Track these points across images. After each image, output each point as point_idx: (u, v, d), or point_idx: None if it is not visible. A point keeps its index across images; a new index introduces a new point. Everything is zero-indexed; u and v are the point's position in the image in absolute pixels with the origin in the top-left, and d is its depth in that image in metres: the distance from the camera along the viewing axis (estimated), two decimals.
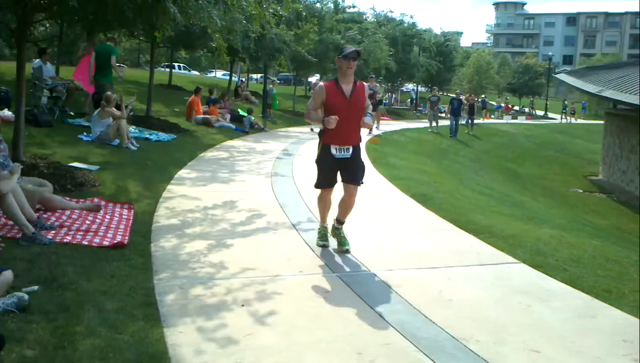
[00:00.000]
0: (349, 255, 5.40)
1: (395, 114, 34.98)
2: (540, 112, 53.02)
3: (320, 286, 4.58)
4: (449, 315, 4.08)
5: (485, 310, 4.24)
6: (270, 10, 12.72)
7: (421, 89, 47.04)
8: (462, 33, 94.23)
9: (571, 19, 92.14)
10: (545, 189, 18.63)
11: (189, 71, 47.93)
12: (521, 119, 43.21)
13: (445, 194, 8.85)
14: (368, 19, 36.45)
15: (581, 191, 20.04)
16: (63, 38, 15.37)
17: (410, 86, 51.42)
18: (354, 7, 33.38)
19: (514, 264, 5.43)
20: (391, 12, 40.09)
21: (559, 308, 4.36)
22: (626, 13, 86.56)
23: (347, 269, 5.03)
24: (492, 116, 42.54)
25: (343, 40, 26.32)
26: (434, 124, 24.33)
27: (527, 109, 54.46)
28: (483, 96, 48.74)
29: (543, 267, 5.30)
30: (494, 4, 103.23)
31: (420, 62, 38.31)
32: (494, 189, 12.70)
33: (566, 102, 49.57)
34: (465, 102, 26.60)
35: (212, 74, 46.48)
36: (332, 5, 30.06)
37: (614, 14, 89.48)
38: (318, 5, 26.93)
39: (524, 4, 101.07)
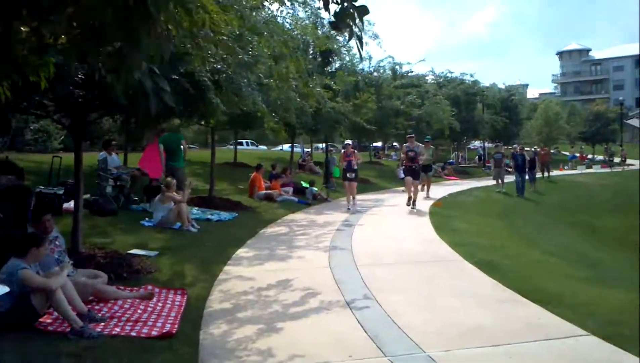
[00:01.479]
0: (403, 334, 5.14)
1: (464, 173, 34.45)
2: (617, 160, 50.94)
3: None
4: None
5: None
6: (318, 89, 13.00)
7: (489, 145, 46.28)
8: (527, 85, 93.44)
9: None
10: (624, 243, 17.57)
11: (257, 146, 49.18)
12: (596, 168, 41.58)
13: (512, 260, 8.43)
14: (428, 82, 36.48)
15: None
16: (127, 128, 16.11)
17: (477, 143, 50.81)
18: (411, 72, 33.48)
19: (584, 337, 5.00)
20: (451, 72, 39.81)
21: None
22: None
23: (401, 351, 4.75)
24: (566, 167, 41.16)
25: (403, 106, 26.45)
26: (499, 182, 22.56)
27: (603, 157, 52.41)
28: (556, 146, 47.48)
29: (616, 339, 4.85)
30: (557, 53, 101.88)
31: (484, 118, 37.89)
32: (567, 247, 12.07)
33: None
34: (536, 156, 25.60)
35: (279, 148, 47.44)
36: (390, 73, 30.37)
37: None
38: (375, 74, 27.25)
39: (589, 50, 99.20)
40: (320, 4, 3.47)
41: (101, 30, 3.52)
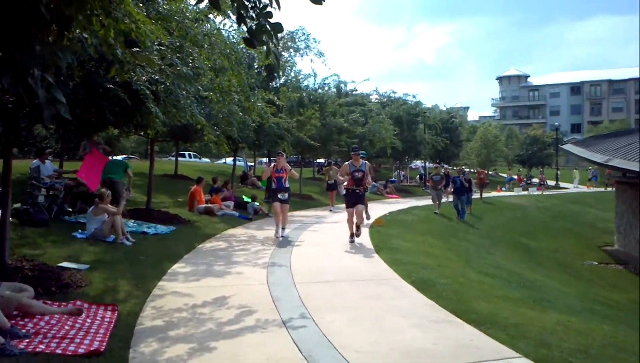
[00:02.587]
0: (338, 354, 5.08)
1: (405, 191, 34.95)
2: (552, 182, 52.77)
3: None
4: None
5: None
6: (259, 104, 13.01)
7: (430, 165, 47.20)
8: (468, 108, 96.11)
9: (575, 88, 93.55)
10: (559, 264, 18.16)
11: (199, 159, 48.58)
12: (532, 191, 42.91)
13: (449, 279, 8.51)
14: (372, 101, 37.00)
15: (596, 263, 19.51)
16: (63, 137, 15.64)
17: (418, 163, 51.74)
18: (355, 90, 33.91)
19: (515, 359, 5.04)
20: (394, 92, 40.54)
21: None
22: (629, 79, 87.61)
23: None
24: (503, 189, 42.31)
25: (346, 123, 26.66)
26: (437, 204, 22.09)
27: (539, 180, 54.28)
28: (494, 168, 48.79)
29: (547, 361, 4.92)
30: (497, 78, 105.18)
31: (426, 139, 38.63)
32: (503, 268, 12.31)
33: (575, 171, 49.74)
34: (475, 179, 25.82)
35: (222, 161, 47.03)
36: (334, 90, 30.64)
37: (618, 80, 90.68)
38: (320, 91, 27.43)
39: (528, 76, 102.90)
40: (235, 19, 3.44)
41: None
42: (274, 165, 12.70)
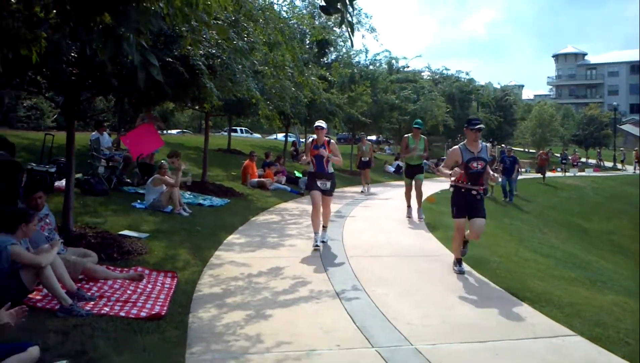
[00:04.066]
0: (391, 326, 5.15)
1: None
2: (609, 164, 51.20)
3: (356, 362, 4.35)
4: None
5: None
6: (313, 79, 12.98)
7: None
8: (522, 86, 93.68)
9: (635, 67, 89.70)
10: (615, 246, 17.72)
11: (251, 134, 49.05)
12: (588, 172, 41.77)
13: (502, 258, 8.46)
14: (424, 78, 36.53)
15: None
16: (121, 110, 16.04)
17: None
18: (407, 67, 33.51)
19: (570, 337, 5.03)
20: (447, 69, 39.86)
21: None
22: None
23: (388, 343, 4.76)
24: (559, 170, 41.33)
25: (398, 100, 26.45)
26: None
27: (596, 161, 52.66)
28: (549, 148, 47.65)
29: (602, 341, 4.89)
30: (553, 56, 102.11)
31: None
32: (557, 248, 12.12)
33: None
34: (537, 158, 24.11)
35: (273, 137, 47.39)
36: (386, 67, 30.37)
37: None
38: (371, 67, 27.24)
39: (585, 54, 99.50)
40: None
41: (90, 3, 3.49)
42: (313, 140, 8.84)
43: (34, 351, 3.65)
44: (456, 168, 7.22)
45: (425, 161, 12.75)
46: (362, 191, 18.01)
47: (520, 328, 5.22)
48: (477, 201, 7.41)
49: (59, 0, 3.90)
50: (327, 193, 8.84)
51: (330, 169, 8.83)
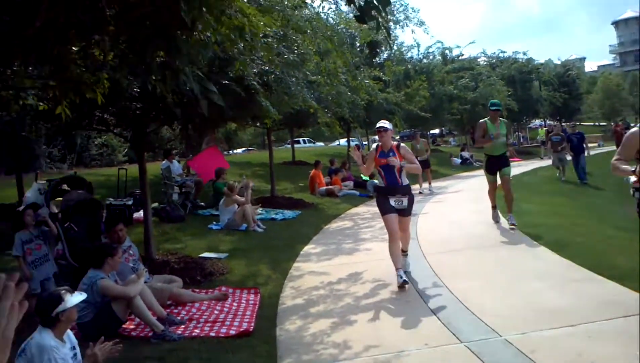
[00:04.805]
0: (477, 319, 5.09)
1: (526, 153, 33.67)
2: None
3: (446, 359, 4.33)
4: None
5: None
6: (366, 81, 12.97)
7: (550, 122, 45.14)
8: (584, 58, 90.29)
9: None
10: None
11: (314, 143, 49.41)
12: None
13: (583, 237, 8.20)
14: (480, 64, 35.82)
15: None
16: (186, 136, 16.53)
17: (537, 122, 49.58)
18: (462, 55, 32.96)
19: None
20: (503, 52, 38.93)
21: None
22: None
23: (476, 337, 4.71)
24: None
25: (456, 90, 26.09)
26: (561, 169, 18.75)
27: None
28: (621, 119, 45.78)
29: None
30: (613, 23, 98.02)
31: (542, 96, 36.95)
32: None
33: None
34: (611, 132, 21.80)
35: (336, 143, 47.57)
36: (440, 58, 30.01)
37: None
38: (425, 61, 26.97)
39: None
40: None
41: (144, 42, 3.67)
42: (378, 146, 6.91)
43: None
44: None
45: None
46: (420, 192, 15.84)
47: (610, 308, 5.03)
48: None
49: (115, 43, 4.12)
50: (405, 213, 6.80)
51: (405, 181, 6.79)
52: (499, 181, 9.64)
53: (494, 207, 10.01)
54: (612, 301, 5.24)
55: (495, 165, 9.58)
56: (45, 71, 4.69)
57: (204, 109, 3.78)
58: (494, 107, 9.68)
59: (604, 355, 4.08)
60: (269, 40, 8.20)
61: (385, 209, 6.73)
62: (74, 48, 4.18)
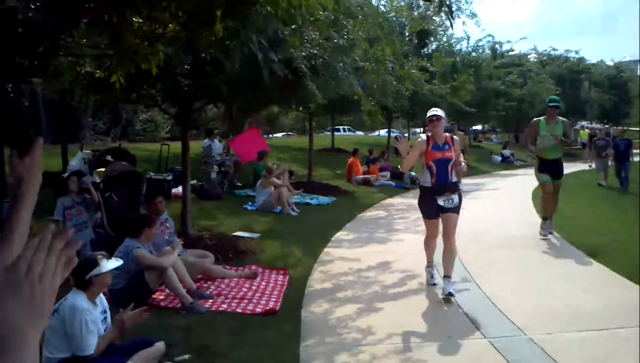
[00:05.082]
0: (503, 316, 5.07)
1: (570, 155, 32.94)
2: None
3: (469, 354, 4.33)
4: None
5: None
6: (413, 71, 12.85)
7: (593, 125, 44.06)
8: (639, 61, 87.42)
9: None
10: None
11: (354, 132, 49.29)
12: None
13: (620, 243, 8.03)
14: (530, 60, 35.18)
15: None
16: (230, 117, 16.69)
17: (584, 123, 48.44)
18: (512, 50, 32.43)
19: None
20: (554, 50, 38.13)
21: None
22: None
23: (501, 333, 4.70)
24: None
25: (503, 86, 25.67)
26: (603, 174, 17.60)
27: None
28: None
29: None
30: None
31: (592, 97, 36.08)
32: None
33: None
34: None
35: (376, 133, 47.36)
36: (489, 52, 29.55)
37: None
38: (474, 54, 26.60)
39: None
40: None
41: (209, 13, 3.75)
42: (429, 137, 5.96)
43: (160, 346, 3.91)
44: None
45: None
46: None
47: None
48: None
49: (174, 15, 4.20)
50: (454, 210, 5.93)
51: (455, 178, 6.00)
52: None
53: (545, 218, 8.81)
54: None
55: (549, 169, 8.56)
56: (103, 40, 4.81)
57: (266, 77, 3.90)
58: (552, 104, 8.61)
59: (629, 361, 4.03)
60: (320, 24, 8.24)
61: (429, 214, 6.04)
62: (134, 19, 4.28)
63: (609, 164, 17.85)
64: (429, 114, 6.00)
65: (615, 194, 16.60)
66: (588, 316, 5.01)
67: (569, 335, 4.60)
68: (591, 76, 37.72)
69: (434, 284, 6.20)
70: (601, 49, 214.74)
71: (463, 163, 6.08)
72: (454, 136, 6.13)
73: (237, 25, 3.71)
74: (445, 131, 6.10)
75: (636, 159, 18.71)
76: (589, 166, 19.60)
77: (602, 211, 12.28)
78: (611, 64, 47.46)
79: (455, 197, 5.84)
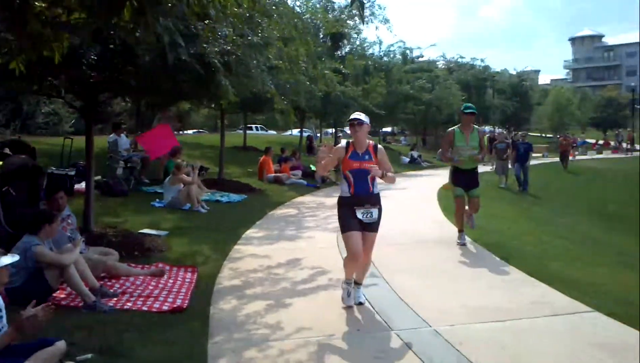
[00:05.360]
0: (410, 310, 5.22)
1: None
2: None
3: (376, 345, 4.42)
4: None
5: None
6: (327, 72, 12.99)
7: (499, 130, 46.21)
8: (539, 71, 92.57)
9: None
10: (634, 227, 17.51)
11: (266, 131, 49.14)
12: (606, 154, 41.34)
13: (520, 242, 8.48)
14: (439, 67, 36.42)
15: None
16: (138, 112, 16.19)
17: (486, 128, 50.68)
18: (421, 56, 33.43)
19: (588, 313, 5.06)
20: (462, 57, 39.70)
21: None
22: None
23: (407, 326, 4.83)
24: (576, 153, 40.90)
25: (412, 90, 26.40)
26: (504, 176, 18.74)
27: (614, 143, 52.01)
28: (566, 132, 47.17)
29: (620, 316, 4.90)
30: (570, 39, 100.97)
31: (495, 104, 37.82)
32: (577, 231, 12.05)
33: None
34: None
35: (289, 133, 47.45)
36: (400, 57, 30.32)
37: None
38: (385, 58, 27.21)
39: (602, 36, 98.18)
40: None
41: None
42: (349, 144, 5.41)
43: (60, 345, 3.73)
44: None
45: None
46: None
47: (539, 308, 5.26)
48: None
49: (80, 1, 4.02)
50: (373, 228, 5.44)
51: (377, 189, 5.49)
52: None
53: (461, 231, 8.38)
54: (540, 301, 5.46)
55: (462, 180, 8.27)
56: (3, 24, 4.52)
57: (170, 60, 3.79)
58: (469, 110, 8.20)
59: (527, 350, 4.27)
60: (234, 20, 8.15)
61: (348, 225, 5.28)
62: (36, 3, 4.05)
63: (509, 166, 18.84)
64: (351, 116, 5.40)
65: (514, 195, 17.50)
66: (488, 310, 5.23)
67: (470, 326, 4.79)
68: (495, 83, 39.49)
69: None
70: (505, 58, 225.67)
71: (390, 175, 5.51)
72: (378, 145, 5.51)
73: (146, 6, 3.60)
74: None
75: (532, 162, 19.85)
76: (491, 168, 20.56)
77: (502, 212, 12.87)
78: (514, 73, 49.94)
79: (375, 212, 5.36)
